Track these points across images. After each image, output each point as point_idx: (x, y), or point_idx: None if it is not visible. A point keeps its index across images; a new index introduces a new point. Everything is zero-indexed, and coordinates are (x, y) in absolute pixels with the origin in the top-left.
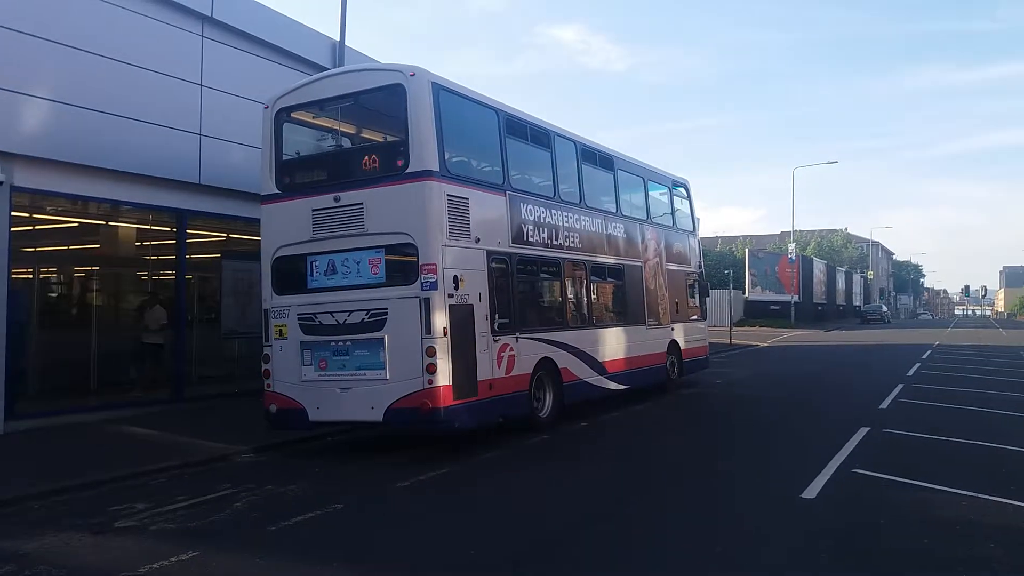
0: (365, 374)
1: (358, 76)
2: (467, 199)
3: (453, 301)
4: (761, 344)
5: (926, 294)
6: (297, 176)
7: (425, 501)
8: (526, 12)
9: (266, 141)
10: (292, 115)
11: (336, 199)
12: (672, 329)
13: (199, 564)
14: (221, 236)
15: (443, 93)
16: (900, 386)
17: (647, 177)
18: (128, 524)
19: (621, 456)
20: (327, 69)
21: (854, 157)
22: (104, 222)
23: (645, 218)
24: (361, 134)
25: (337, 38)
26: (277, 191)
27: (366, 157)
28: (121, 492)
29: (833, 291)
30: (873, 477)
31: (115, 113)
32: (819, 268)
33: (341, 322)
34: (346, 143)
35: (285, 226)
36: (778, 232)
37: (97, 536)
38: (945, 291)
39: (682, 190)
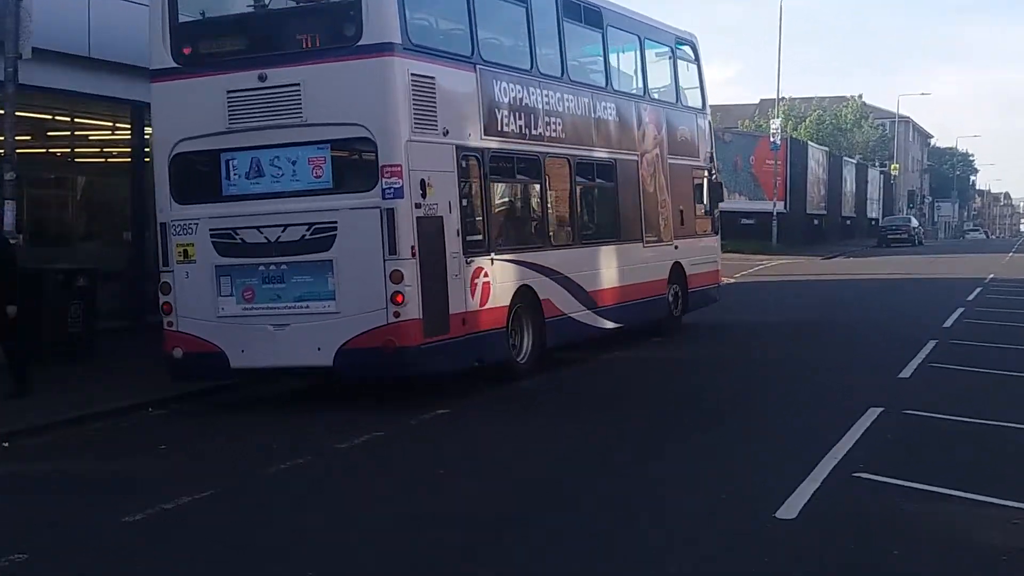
0: (308, 306)
1: None
2: (433, 78)
3: (420, 212)
4: (725, 280)
5: (978, 200)
6: (202, 45)
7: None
8: None
9: None
10: None
11: (262, 78)
12: (676, 247)
13: None
14: None
15: None
16: (931, 344)
17: (643, 35)
18: None
19: (582, 433)
20: None
21: None
22: None
23: (642, 93)
24: None
25: None
26: (174, 64)
27: (303, 23)
28: None
29: (837, 195)
30: (883, 484)
31: None
32: (817, 159)
33: (273, 239)
34: (273, 2)
35: (187, 112)
36: (756, 101)
37: None
38: (1007, 196)
39: (688, 50)
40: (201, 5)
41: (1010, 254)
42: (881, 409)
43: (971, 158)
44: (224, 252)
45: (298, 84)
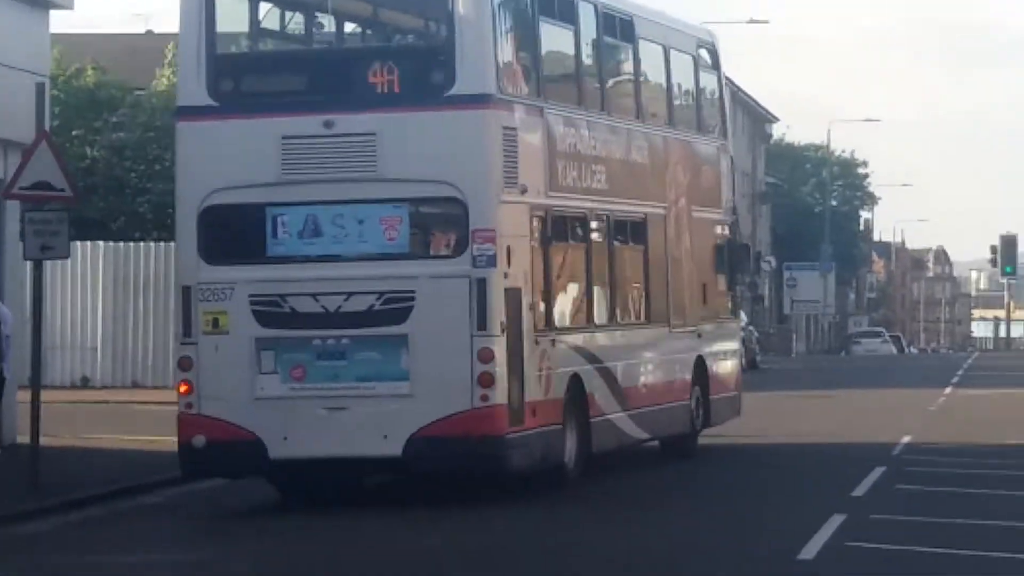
0: (374, 387)
1: None
2: (516, 129)
3: (508, 283)
4: None
5: (879, 264)
6: (249, 82)
7: None
8: None
9: (190, 22)
10: None
11: (328, 124)
12: (699, 336)
13: None
14: None
15: None
16: None
17: (669, 44)
18: None
19: None
20: None
21: None
22: None
23: (668, 123)
24: (367, 26)
25: None
26: (211, 103)
27: (379, 65)
28: None
29: None
30: None
31: None
32: None
33: (332, 309)
34: (341, 38)
35: (225, 158)
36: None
37: None
38: (941, 255)
39: (706, 56)
40: (246, 36)
41: (948, 389)
42: None
43: (864, 172)
44: (268, 322)
45: (373, 134)
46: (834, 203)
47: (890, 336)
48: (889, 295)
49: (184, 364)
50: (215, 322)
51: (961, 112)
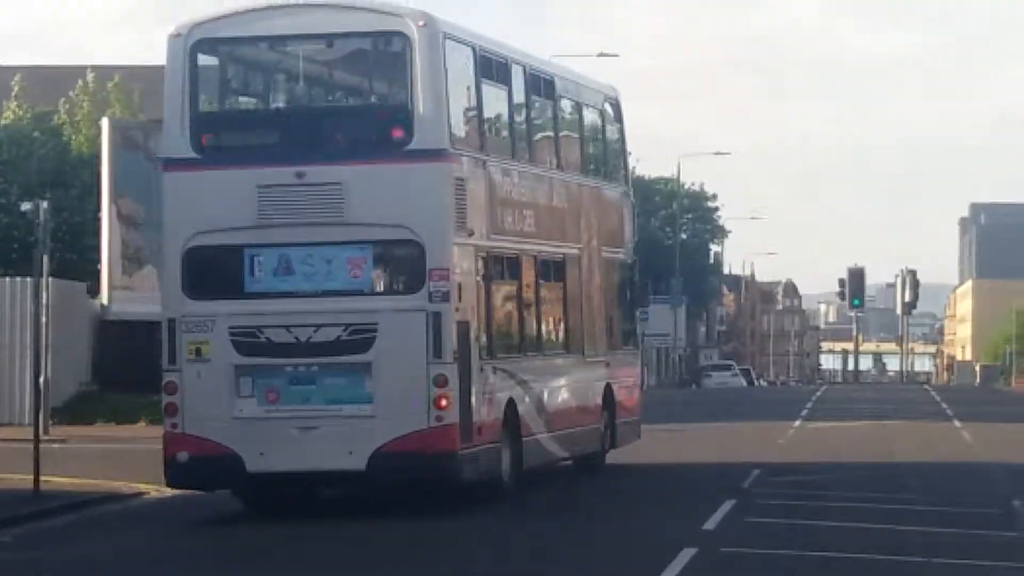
0: (341, 409)
1: (339, 15)
2: (465, 179)
3: (458, 316)
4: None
5: (729, 298)
6: (227, 136)
7: None
8: None
9: (175, 82)
10: (221, 49)
11: (300, 175)
12: (607, 364)
13: None
14: None
15: (450, 44)
16: None
17: (582, 100)
18: None
19: None
20: None
21: None
22: None
23: (581, 171)
24: (335, 87)
25: None
26: (193, 155)
27: (346, 122)
28: None
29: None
30: None
31: None
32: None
33: (303, 340)
34: (311, 98)
35: (207, 205)
36: None
37: None
38: (790, 288)
39: (610, 110)
40: (225, 96)
41: (797, 422)
42: None
43: (713, 205)
44: (246, 351)
45: (340, 183)
46: (684, 236)
47: (740, 369)
48: (739, 328)
49: (169, 388)
50: (198, 351)
51: (808, 145)
